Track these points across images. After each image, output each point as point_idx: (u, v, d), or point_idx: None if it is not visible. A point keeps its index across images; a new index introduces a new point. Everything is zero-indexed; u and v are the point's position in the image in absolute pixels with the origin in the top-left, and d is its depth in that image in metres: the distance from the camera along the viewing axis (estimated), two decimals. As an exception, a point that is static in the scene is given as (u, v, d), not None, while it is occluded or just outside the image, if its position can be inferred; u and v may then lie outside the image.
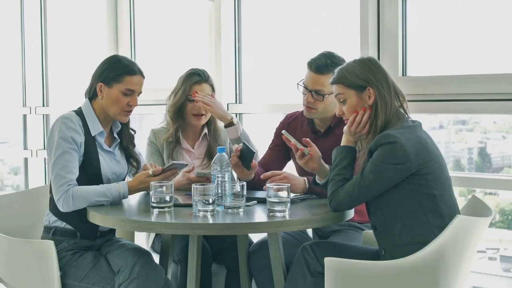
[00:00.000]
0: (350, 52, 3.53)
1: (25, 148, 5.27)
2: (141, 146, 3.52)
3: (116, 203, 2.76)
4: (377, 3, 3.41)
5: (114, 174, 2.87)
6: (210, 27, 4.17)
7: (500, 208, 3.62)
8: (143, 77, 2.89)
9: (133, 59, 4.66)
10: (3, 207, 3.13)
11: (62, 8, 5.16)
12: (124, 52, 4.66)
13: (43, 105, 5.19)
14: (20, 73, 5.30)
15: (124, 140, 2.95)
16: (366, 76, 2.51)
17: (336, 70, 2.60)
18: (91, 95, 2.87)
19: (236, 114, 4.15)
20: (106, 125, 2.88)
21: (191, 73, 3.28)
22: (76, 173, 2.73)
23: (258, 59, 4.21)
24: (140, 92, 2.88)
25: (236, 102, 4.17)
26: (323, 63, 2.95)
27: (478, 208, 2.57)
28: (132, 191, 2.77)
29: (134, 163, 3.00)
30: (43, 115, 5.18)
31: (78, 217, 2.77)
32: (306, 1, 3.99)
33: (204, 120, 3.29)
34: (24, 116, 5.29)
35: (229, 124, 3.21)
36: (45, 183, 5.01)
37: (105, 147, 2.86)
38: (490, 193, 3.58)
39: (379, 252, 2.54)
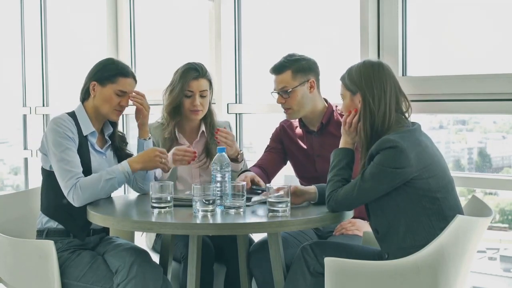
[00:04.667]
0: (350, 53, 3.54)
1: (25, 148, 5.28)
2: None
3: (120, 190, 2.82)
4: (377, 3, 3.41)
5: None
6: (210, 27, 4.17)
7: (500, 208, 3.62)
8: (136, 81, 2.96)
9: (133, 59, 4.68)
10: (3, 207, 3.13)
11: (62, 8, 5.16)
12: (124, 52, 4.66)
13: (43, 105, 5.20)
14: (20, 73, 5.30)
15: (116, 141, 3.00)
16: (359, 82, 2.52)
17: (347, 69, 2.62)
18: (85, 95, 2.93)
19: (236, 114, 4.15)
20: (97, 126, 2.92)
21: (188, 68, 3.21)
22: (80, 167, 2.77)
23: (258, 59, 4.21)
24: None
25: (236, 102, 4.17)
26: (278, 63, 3.10)
27: (478, 208, 2.57)
28: (134, 165, 2.79)
29: None
30: (43, 115, 5.18)
31: (69, 215, 2.80)
32: (306, 1, 3.99)
33: (201, 114, 3.24)
34: (24, 116, 5.29)
35: (235, 160, 3.13)
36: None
37: (97, 147, 2.90)
38: (490, 193, 3.58)
39: (382, 254, 2.54)
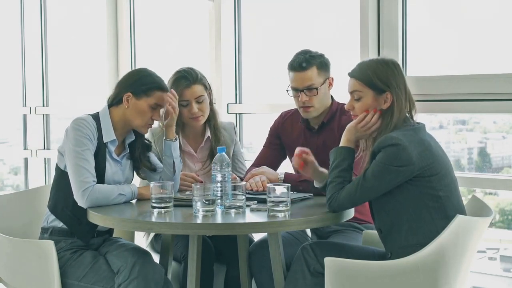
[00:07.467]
0: (350, 52, 3.54)
1: (25, 148, 5.28)
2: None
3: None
4: (377, 2, 3.41)
5: (116, 183, 2.86)
6: (210, 27, 4.17)
7: (500, 208, 3.62)
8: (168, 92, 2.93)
9: (133, 59, 4.68)
10: (3, 207, 3.13)
11: (62, 8, 5.16)
12: (124, 52, 4.66)
13: (43, 105, 5.19)
14: (20, 73, 5.30)
15: (136, 151, 2.94)
16: (389, 81, 2.48)
17: (357, 64, 2.57)
18: (114, 102, 2.87)
19: (236, 114, 4.15)
20: (120, 135, 2.88)
21: (177, 77, 3.13)
22: (94, 171, 2.75)
23: (258, 59, 4.21)
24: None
25: (236, 102, 4.17)
26: (303, 59, 2.97)
27: (478, 208, 2.57)
28: (141, 191, 2.83)
29: (143, 175, 3.00)
30: (43, 115, 5.18)
31: (76, 218, 2.79)
32: (305, 0, 3.99)
33: (202, 120, 3.19)
34: (24, 116, 5.29)
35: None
36: (45, 183, 5.01)
37: (114, 155, 2.86)
38: (490, 193, 3.58)
39: (385, 254, 2.53)
